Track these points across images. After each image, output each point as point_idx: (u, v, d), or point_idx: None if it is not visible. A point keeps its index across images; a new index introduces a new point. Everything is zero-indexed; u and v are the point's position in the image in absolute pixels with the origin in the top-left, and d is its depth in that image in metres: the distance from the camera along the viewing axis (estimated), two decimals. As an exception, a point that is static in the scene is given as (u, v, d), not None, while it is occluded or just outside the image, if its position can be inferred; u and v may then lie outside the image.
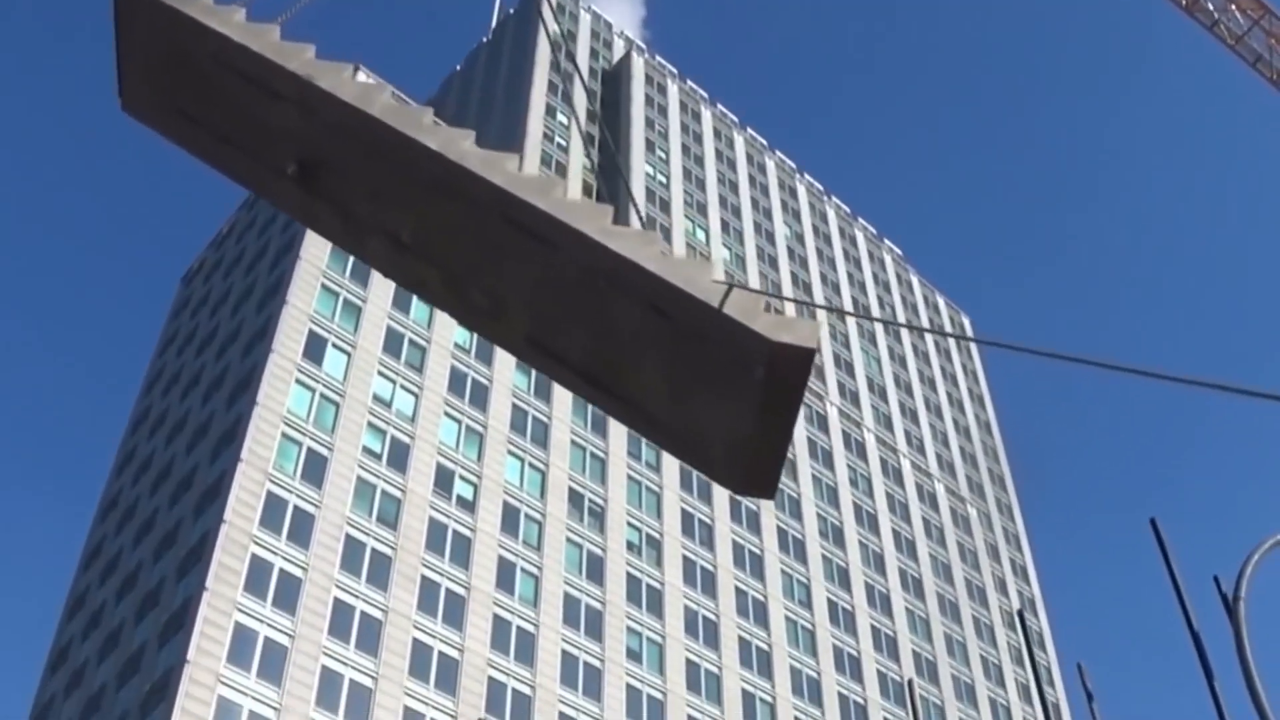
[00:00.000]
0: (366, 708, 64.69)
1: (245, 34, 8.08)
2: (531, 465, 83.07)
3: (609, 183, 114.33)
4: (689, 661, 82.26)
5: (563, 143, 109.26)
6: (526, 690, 71.94)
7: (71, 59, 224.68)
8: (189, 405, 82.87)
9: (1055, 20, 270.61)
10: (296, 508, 68.86)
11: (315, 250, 79.53)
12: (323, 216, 8.33)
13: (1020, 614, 22.03)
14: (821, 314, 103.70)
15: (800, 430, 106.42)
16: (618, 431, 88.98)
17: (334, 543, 69.00)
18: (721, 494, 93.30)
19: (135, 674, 65.22)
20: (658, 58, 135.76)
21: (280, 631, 63.94)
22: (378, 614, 68.32)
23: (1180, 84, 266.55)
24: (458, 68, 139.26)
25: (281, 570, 65.90)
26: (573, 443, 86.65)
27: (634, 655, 79.39)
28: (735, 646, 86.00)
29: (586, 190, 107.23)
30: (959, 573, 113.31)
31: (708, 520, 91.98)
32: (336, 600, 67.07)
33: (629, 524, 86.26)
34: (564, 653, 75.48)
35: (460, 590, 72.83)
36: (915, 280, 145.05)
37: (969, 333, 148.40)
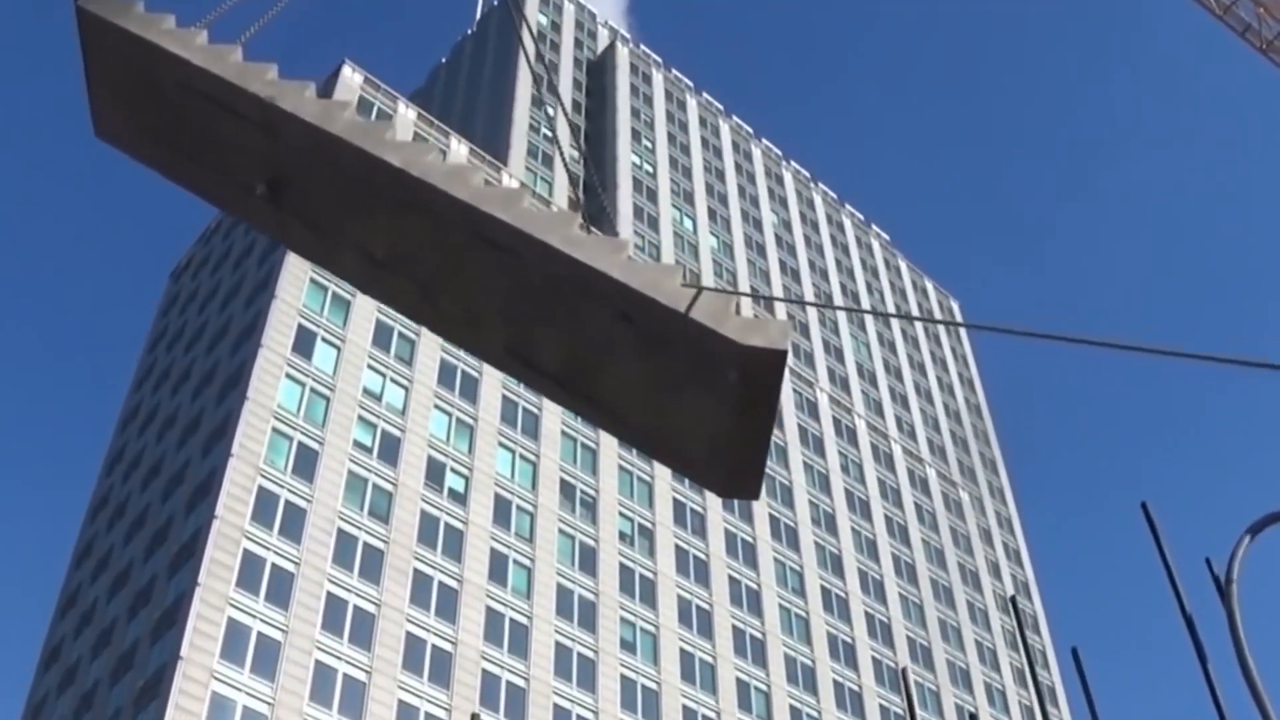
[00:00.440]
0: (360, 702, 64.65)
1: (207, 58, 8.05)
2: (522, 457, 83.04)
3: (595, 173, 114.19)
4: (683, 651, 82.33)
5: (549, 133, 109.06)
6: (520, 682, 71.96)
7: (62, 55, 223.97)
8: (179, 401, 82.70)
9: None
10: (288, 502, 68.77)
11: (302, 244, 79.26)
12: (295, 234, 8.33)
13: (1014, 598, 22.00)
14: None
15: (791, 417, 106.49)
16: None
17: (326, 537, 68.92)
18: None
19: (128, 671, 65.12)
20: (642, 47, 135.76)
21: (273, 626, 63.87)
22: (371, 608, 68.27)
23: (1169, 56, 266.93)
24: (443, 59, 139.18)
25: (274, 565, 65.81)
26: (563, 434, 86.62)
27: (628, 646, 79.44)
28: (729, 635, 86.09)
29: (573, 181, 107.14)
30: (952, 558, 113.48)
31: (700, 509, 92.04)
32: (329, 594, 67.02)
33: (621, 514, 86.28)
34: (557, 644, 75.49)
35: (453, 583, 72.81)
36: (904, 265, 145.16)
37: (958, 318, 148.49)
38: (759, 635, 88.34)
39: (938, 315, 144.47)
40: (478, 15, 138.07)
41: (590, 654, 76.80)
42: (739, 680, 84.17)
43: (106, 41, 8.33)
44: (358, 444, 74.31)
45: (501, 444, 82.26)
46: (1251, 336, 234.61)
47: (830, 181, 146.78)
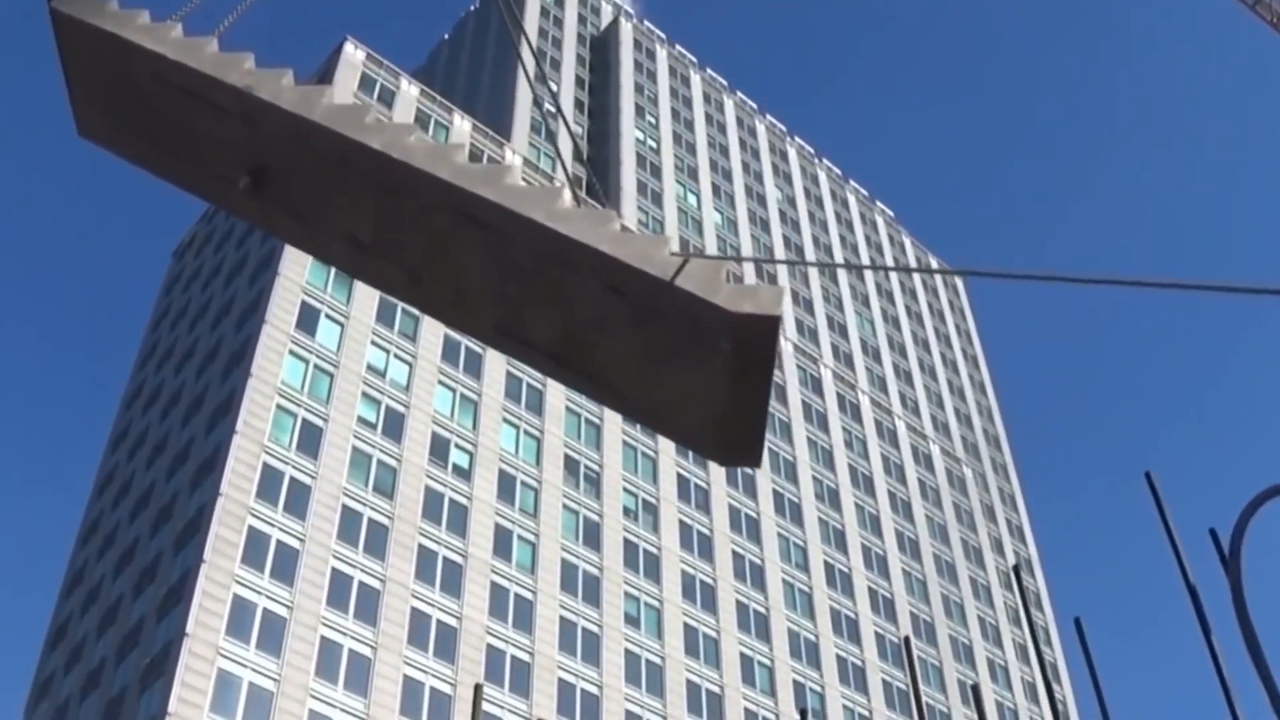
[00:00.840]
0: (366, 677, 64.89)
1: (181, 50, 8.00)
2: (527, 432, 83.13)
3: (599, 149, 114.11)
4: (687, 626, 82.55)
5: (552, 109, 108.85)
6: (525, 657, 72.19)
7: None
8: (183, 379, 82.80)
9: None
10: (293, 479, 68.91)
11: (306, 221, 79.22)
12: (281, 223, 8.32)
13: (1017, 568, 22.05)
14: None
15: (795, 393, 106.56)
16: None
17: (331, 513, 69.07)
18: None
19: (134, 648, 65.36)
20: (646, 23, 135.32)
21: (279, 603, 64.06)
22: (375, 583, 68.46)
23: (1179, 29, 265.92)
24: (446, 36, 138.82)
25: (279, 542, 65.98)
26: (568, 409, 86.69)
27: (632, 620, 79.65)
28: (733, 610, 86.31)
29: (577, 157, 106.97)
30: (955, 533, 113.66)
31: (704, 485, 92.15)
32: (334, 570, 67.20)
33: (625, 490, 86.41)
34: (562, 619, 75.71)
35: (458, 558, 72.98)
36: (908, 241, 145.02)
37: (963, 296, 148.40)
38: (763, 610, 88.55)
39: (942, 293, 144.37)
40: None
41: (595, 628, 77.02)
42: (742, 654, 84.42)
43: (81, 40, 8.30)
44: (362, 420, 74.40)
45: (506, 420, 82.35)
46: (1258, 326, 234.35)
47: (834, 157, 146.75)
